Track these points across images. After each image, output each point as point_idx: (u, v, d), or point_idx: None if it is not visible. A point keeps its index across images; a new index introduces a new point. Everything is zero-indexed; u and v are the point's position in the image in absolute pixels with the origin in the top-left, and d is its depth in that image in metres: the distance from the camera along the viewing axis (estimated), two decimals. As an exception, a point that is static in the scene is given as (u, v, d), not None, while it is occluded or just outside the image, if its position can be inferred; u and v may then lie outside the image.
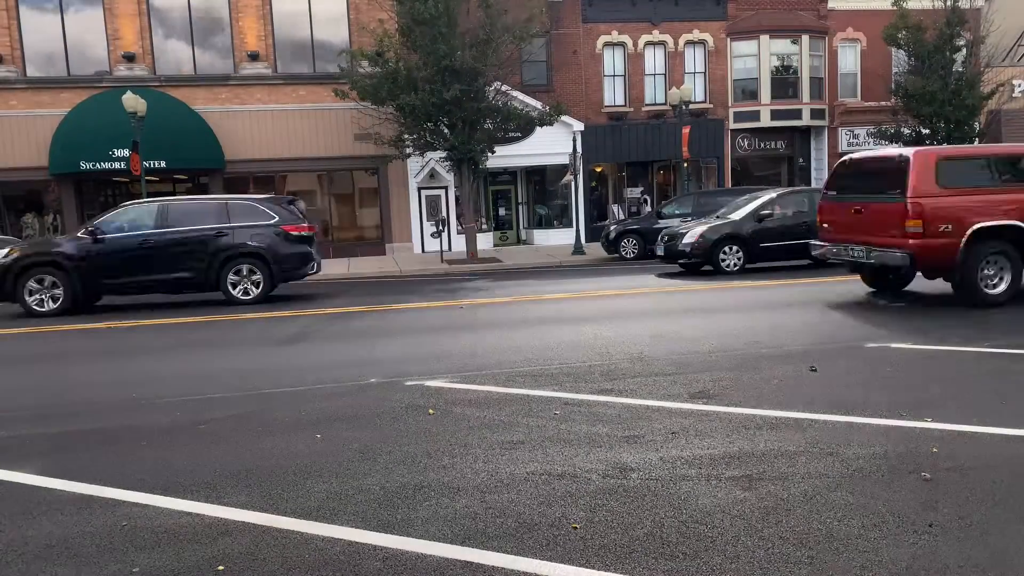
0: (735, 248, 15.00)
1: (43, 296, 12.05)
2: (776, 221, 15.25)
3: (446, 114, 19.92)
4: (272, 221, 12.80)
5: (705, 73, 27.55)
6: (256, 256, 12.63)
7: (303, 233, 13.04)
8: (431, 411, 5.31)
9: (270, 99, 23.61)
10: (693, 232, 15.20)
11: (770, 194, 16.18)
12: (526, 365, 6.77)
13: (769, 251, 15.13)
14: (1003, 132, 27.75)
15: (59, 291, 12.07)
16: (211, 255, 12.48)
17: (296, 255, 12.93)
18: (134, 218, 12.77)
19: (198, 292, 12.96)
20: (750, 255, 15.06)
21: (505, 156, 23.49)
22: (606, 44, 26.83)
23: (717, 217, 16.11)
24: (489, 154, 21.26)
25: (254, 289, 12.66)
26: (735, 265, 14.94)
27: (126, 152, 20.32)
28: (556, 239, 25.93)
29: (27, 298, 11.97)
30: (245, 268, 12.61)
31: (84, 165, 21.56)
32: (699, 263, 15.22)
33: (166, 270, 12.45)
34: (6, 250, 12.68)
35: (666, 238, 15.98)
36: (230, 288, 12.58)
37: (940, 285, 10.02)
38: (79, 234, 12.68)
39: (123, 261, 12.33)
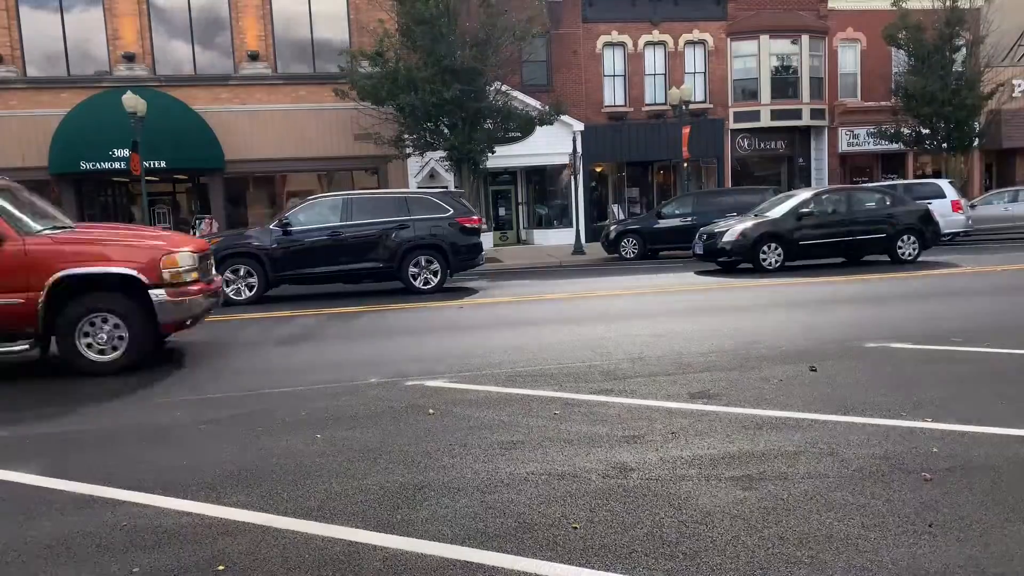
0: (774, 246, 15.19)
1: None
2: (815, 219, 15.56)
3: (446, 114, 19.91)
4: (448, 214, 13.60)
5: (705, 73, 27.54)
6: (435, 248, 13.46)
7: (475, 225, 13.94)
8: (431, 411, 5.31)
9: (270, 99, 23.60)
10: (733, 230, 15.38)
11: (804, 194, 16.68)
12: (526, 365, 6.77)
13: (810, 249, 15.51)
14: (1003, 132, 27.75)
15: None
16: (394, 247, 13.38)
17: (470, 246, 13.80)
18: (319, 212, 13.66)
19: (380, 281, 13.88)
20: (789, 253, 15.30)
21: (505, 156, 23.47)
22: (606, 44, 26.82)
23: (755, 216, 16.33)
24: (489, 154, 21.26)
25: (433, 279, 13.47)
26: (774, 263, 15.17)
27: (126, 152, 20.31)
28: (556, 239, 25.93)
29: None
30: (423, 259, 13.45)
31: (84, 165, 21.55)
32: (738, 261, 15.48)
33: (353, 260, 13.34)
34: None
35: (704, 236, 16.17)
36: (411, 279, 13.44)
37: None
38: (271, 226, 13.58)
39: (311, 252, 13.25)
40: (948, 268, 14.18)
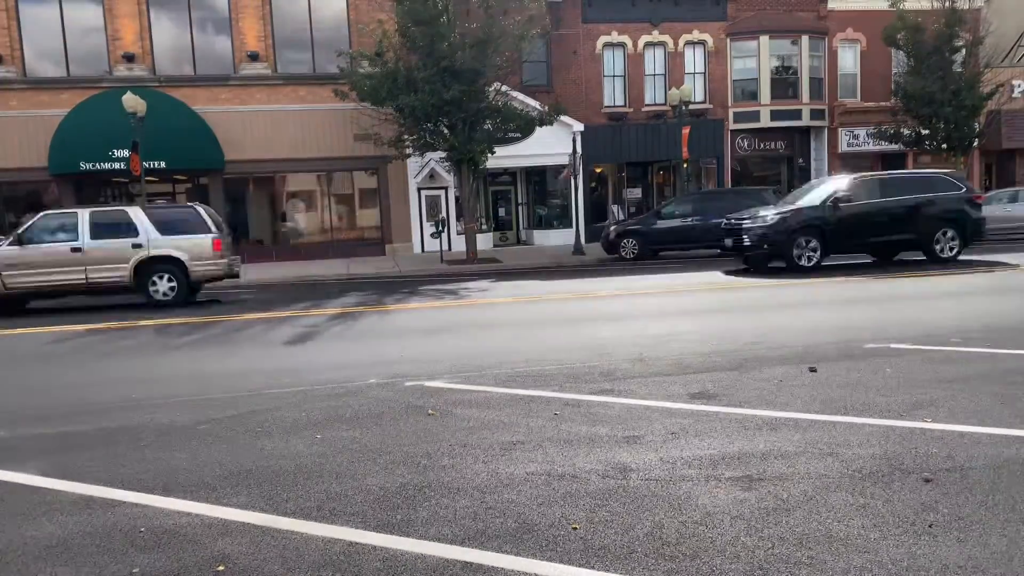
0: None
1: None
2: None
3: (446, 114, 19.91)
4: (962, 191, 15.33)
5: (705, 73, 27.54)
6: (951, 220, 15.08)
7: (981, 201, 15.92)
8: (431, 412, 5.31)
9: (270, 99, 23.60)
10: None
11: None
12: (526, 365, 6.76)
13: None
14: (1003, 132, 27.76)
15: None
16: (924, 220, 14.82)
17: (981, 219, 15.41)
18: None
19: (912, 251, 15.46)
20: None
21: (505, 156, 23.46)
22: (606, 44, 26.82)
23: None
24: (489, 154, 21.26)
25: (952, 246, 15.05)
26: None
27: (126, 152, 20.31)
28: (556, 239, 25.92)
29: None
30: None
31: (84, 165, 21.56)
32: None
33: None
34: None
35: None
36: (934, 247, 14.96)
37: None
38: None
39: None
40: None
